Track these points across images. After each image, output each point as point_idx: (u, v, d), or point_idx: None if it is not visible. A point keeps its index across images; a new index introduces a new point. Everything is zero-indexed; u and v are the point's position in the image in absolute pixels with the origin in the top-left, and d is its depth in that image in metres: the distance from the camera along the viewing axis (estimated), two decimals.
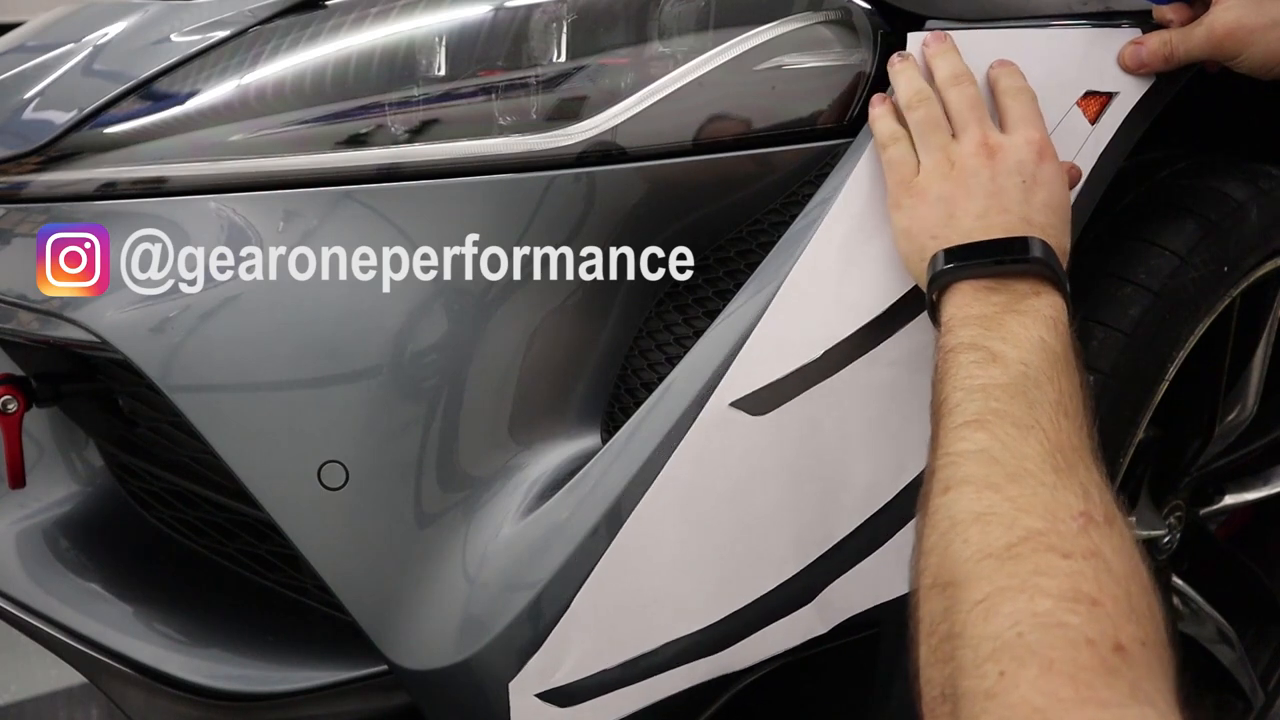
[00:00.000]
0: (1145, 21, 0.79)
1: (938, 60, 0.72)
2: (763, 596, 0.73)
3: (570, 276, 0.75)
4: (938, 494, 0.56)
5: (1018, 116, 0.70)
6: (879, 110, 0.73)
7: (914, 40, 0.74)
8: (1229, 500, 1.24)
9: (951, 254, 0.66)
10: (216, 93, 0.77)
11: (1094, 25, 0.78)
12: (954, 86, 0.71)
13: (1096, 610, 0.47)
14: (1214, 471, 1.19)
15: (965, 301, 0.64)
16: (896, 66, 0.73)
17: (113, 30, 0.85)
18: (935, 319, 0.66)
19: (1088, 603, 0.47)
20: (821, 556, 0.74)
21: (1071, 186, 0.73)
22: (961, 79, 0.71)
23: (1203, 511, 1.23)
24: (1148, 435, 0.93)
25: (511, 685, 0.73)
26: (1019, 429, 0.56)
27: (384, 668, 0.79)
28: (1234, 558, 1.28)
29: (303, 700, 0.82)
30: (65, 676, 1.50)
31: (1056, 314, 0.63)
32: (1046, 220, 0.67)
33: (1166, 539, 1.12)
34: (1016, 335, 0.61)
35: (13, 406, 0.88)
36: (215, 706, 0.83)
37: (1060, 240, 0.67)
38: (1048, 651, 0.45)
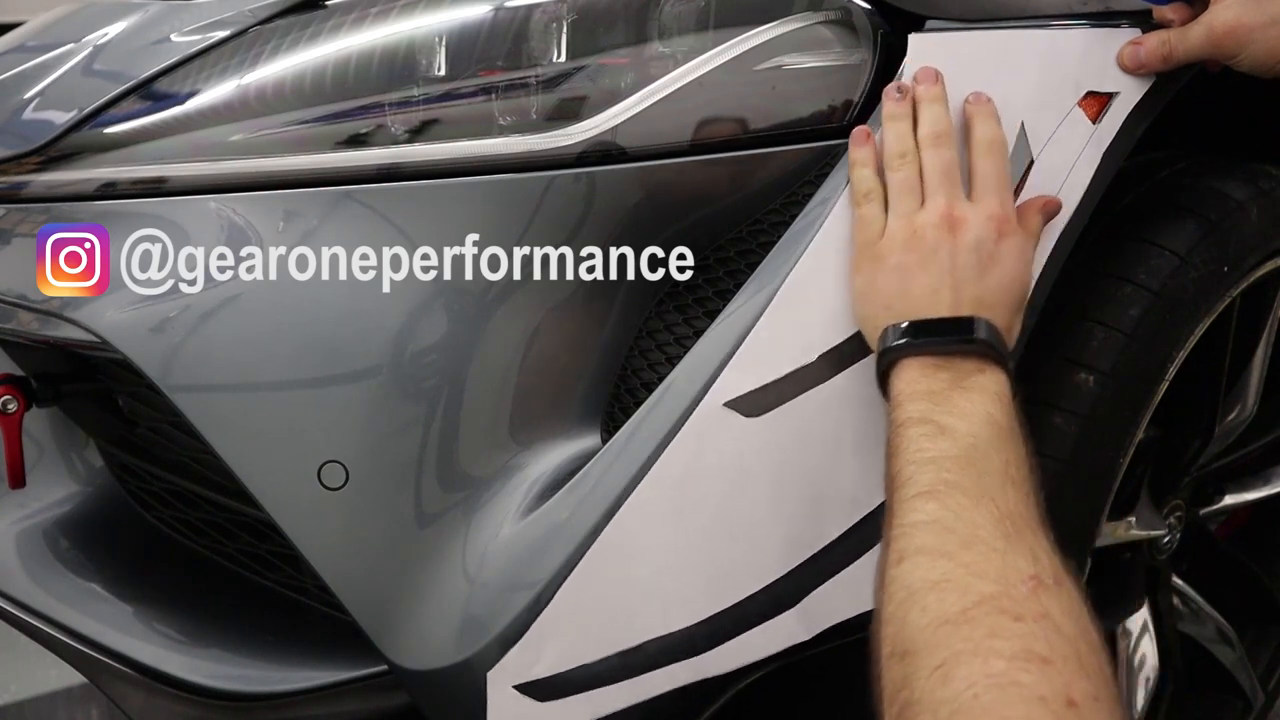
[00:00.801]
0: (1145, 21, 0.79)
1: (924, 109, 0.72)
2: (747, 599, 0.73)
3: (570, 276, 0.75)
4: (893, 565, 0.58)
5: (986, 183, 0.71)
6: (860, 155, 0.73)
7: (914, 44, 0.74)
8: (1229, 500, 1.24)
9: (902, 331, 0.68)
10: (216, 93, 0.77)
11: (1094, 25, 0.78)
12: (933, 148, 0.71)
13: (1048, 669, 0.49)
14: (1214, 471, 1.19)
15: (914, 377, 0.66)
16: (890, 110, 0.73)
17: (113, 30, 0.85)
18: (884, 390, 0.69)
19: (1039, 662, 0.49)
20: (806, 561, 0.74)
21: (1051, 218, 0.74)
22: (941, 140, 0.71)
23: (1203, 511, 1.23)
24: (1148, 435, 0.93)
25: (490, 675, 0.73)
26: (970, 498, 0.59)
27: (384, 668, 0.79)
28: (1234, 558, 1.28)
29: (303, 700, 0.82)
30: (65, 676, 1.49)
31: (1001, 389, 0.66)
32: (997, 300, 0.68)
33: (1166, 539, 1.12)
34: (964, 410, 0.64)
35: (13, 406, 0.88)
36: (215, 706, 0.83)
37: (1008, 319, 0.69)
38: (1003, 710, 0.47)
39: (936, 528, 0.58)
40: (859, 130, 0.73)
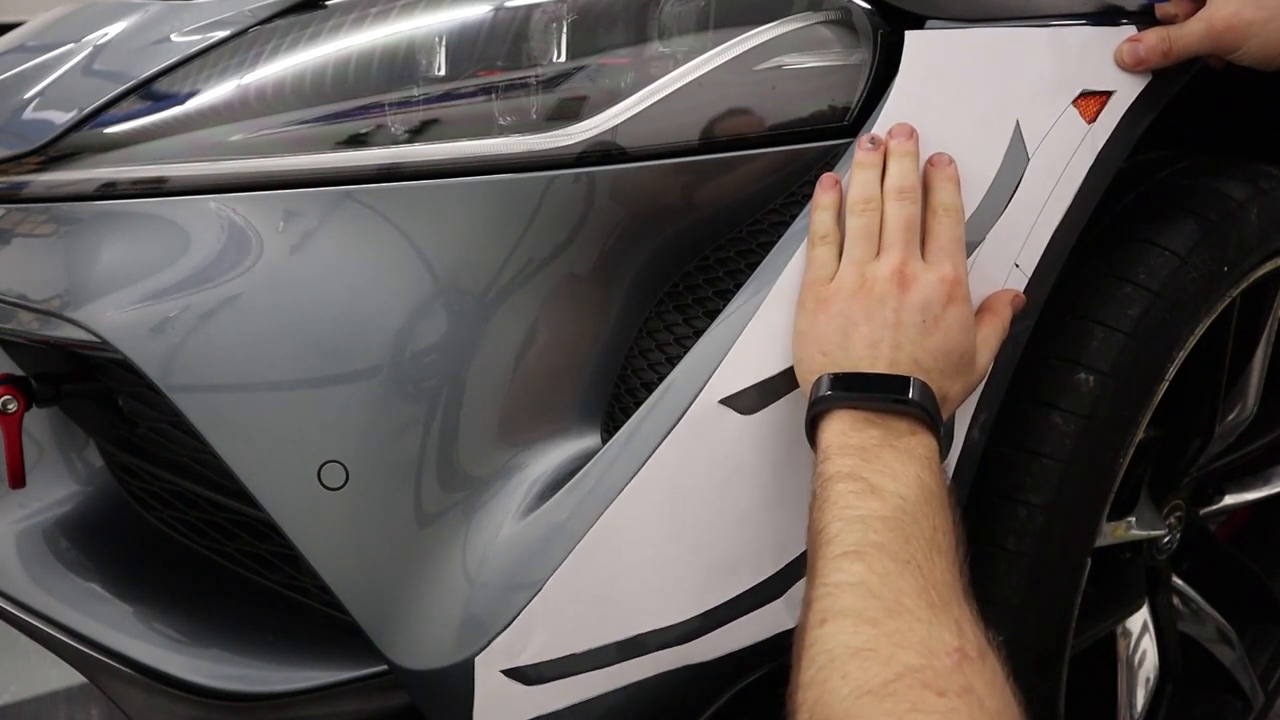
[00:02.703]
0: (1145, 20, 0.79)
1: (894, 162, 0.72)
2: (738, 596, 0.73)
3: (570, 276, 0.75)
4: (815, 625, 0.57)
5: (940, 246, 0.70)
6: (823, 200, 0.72)
7: (911, 43, 0.74)
8: (1229, 500, 1.24)
9: (836, 381, 0.67)
10: (216, 93, 0.77)
11: (1092, 24, 0.78)
12: (897, 201, 0.71)
13: None
14: (1214, 471, 1.19)
15: (844, 429, 0.66)
16: (860, 159, 0.72)
17: (113, 30, 0.85)
18: (811, 439, 0.68)
19: None
20: (798, 558, 0.74)
21: (1016, 312, 0.74)
22: (906, 195, 0.71)
23: (1203, 511, 1.23)
24: (1148, 435, 0.93)
25: (477, 660, 0.73)
26: (896, 563, 0.58)
27: (384, 668, 0.79)
28: (1234, 558, 1.28)
29: (303, 700, 0.82)
30: (65, 676, 1.50)
31: (931, 454, 0.65)
32: (935, 364, 0.68)
33: (1166, 539, 1.12)
34: (894, 470, 0.63)
35: (13, 406, 0.88)
36: (215, 706, 0.83)
37: (944, 384, 0.68)
38: None
39: (861, 590, 0.57)
40: (827, 176, 0.73)
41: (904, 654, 0.53)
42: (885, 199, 0.71)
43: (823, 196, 0.73)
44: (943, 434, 0.67)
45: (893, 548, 0.58)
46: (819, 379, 0.68)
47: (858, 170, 0.72)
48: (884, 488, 0.62)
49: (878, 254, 0.70)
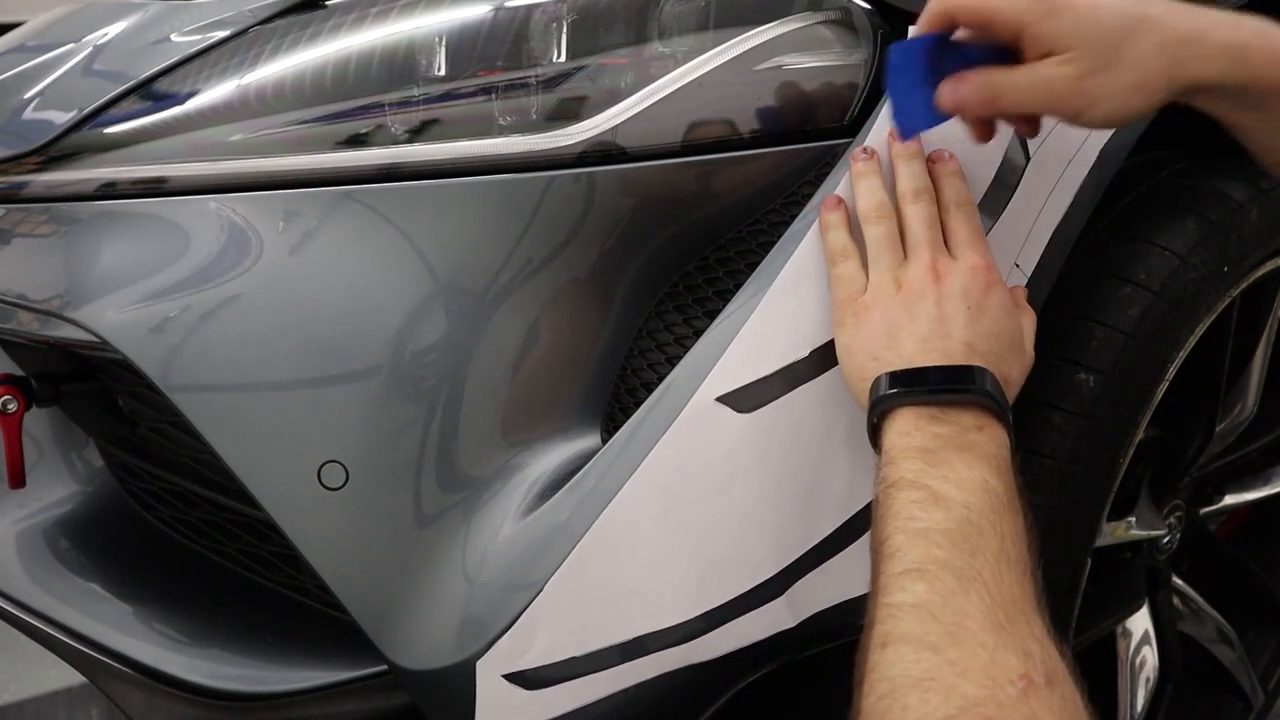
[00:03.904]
0: None
1: (903, 165, 0.71)
2: (739, 595, 0.73)
3: (570, 276, 0.75)
4: (877, 648, 0.55)
5: (963, 240, 0.69)
6: (832, 218, 0.72)
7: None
8: (1229, 500, 1.24)
9: (895, 378, 0.65)
10: (216, 93, 0.77)
11: None
12: (914, 202, 0.70)
13: None
14: (1214, 471, 1.19)
15: (907, 429, 0.63)
16: (859, 169, 0.72)
17: (113, 30, 0.85)
18: (875, 443, 0.66)
19: None
20: (800, 559, 0.74)
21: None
22: (922, 195, 0.70)
23: (1203, 511, 1.23)
24: (1148, 435, 0.93)
25: (479, 664, 0.73)
26: (961, 581, 0.55)
27: (384, 668, 0.79)
28: (1234, 558, 1.28)
29: (303, 700, 0.82)
30: (65, 676, 1.50)
31: (1000, 451, 0.62)
32: (990, 348, 0.66)
33: (1166, 539, 1.12)
34: (960, 475, 0.60)
35: (13, 406, 0.88)
36: (215, 706, 0.83)
37: (1003, 368, 0.66)
38: None
39: (922, 613, 0.54)
40: (830, 197, 0.72)
41: (965, 685, 0.51)
42: (901, 202, 0.71)
43: (829, 216, 0.72)
44: (1011, 418, 0.65)
45: (957, 564, 0.56)
46: (875, 381, 0.66)
47: (860, 180, 0.72)
48: (949, 496, 0.59)
49: (905, 258, 0.69)
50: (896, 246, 0.70)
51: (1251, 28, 0.62)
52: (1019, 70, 0.63)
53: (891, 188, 0.72)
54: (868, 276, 0.70)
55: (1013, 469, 0.62)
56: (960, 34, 0.67)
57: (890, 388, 0.65)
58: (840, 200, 0.72)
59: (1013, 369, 0.68)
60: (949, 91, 0.65)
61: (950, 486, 0.59)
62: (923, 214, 0.70)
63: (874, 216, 0.70)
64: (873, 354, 0.67)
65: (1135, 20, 0.61)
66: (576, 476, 0.74)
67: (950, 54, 0.66)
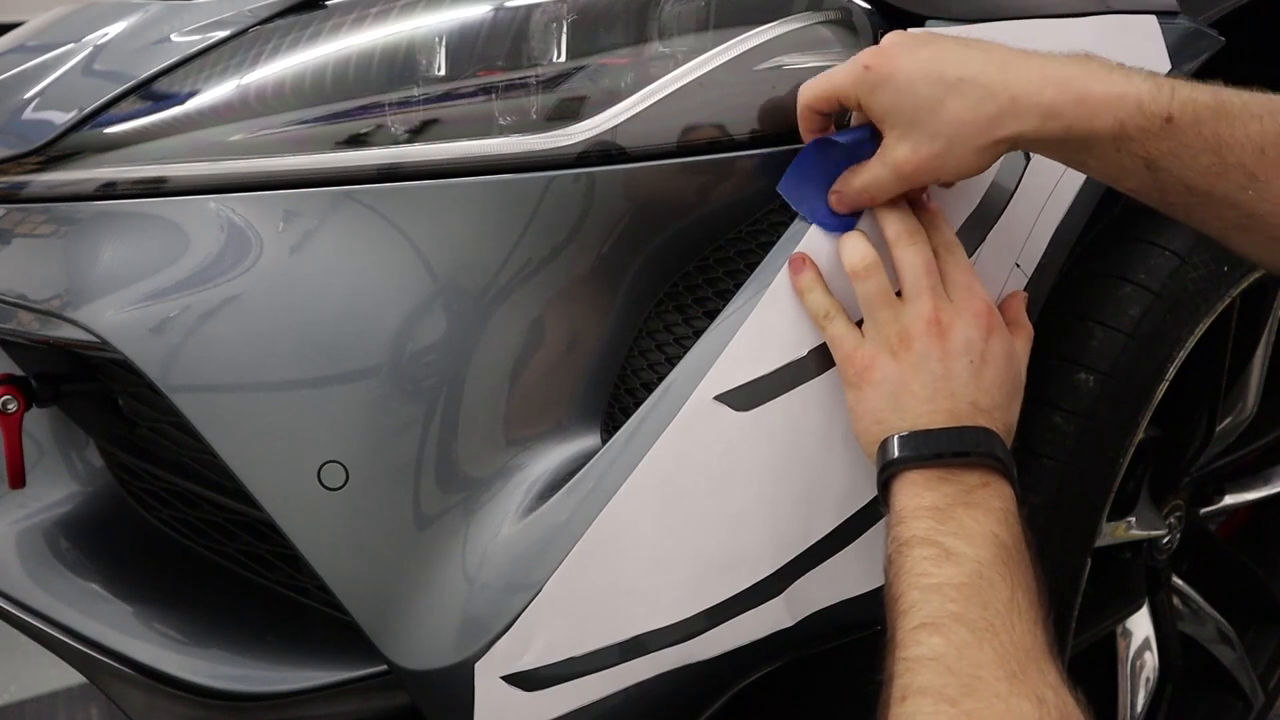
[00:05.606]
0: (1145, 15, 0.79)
1: (887, 209, 0.70)
2: (738, 594, 0.73)
3: (570, 276, 0.75)
4: (896, 702, 0.57)
5: (959, 282, 0.69)
6: (806, 280, 0.70)
7: None
8: (1229, 500, 1.24)
9: (904, 442, 0.66)
10: (216, 93, 0.77)
11: (1090, 23, 0.78)
12: (909, 244, 0.68)
13: None
14: (1214, 471, 1.19)
15: (916, 491, 0.64)
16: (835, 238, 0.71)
17: (113, 30, 0.85)
18: (885, 503, 0.67)
19: None
20: (797, 558, 0.74)
21: (1027, 308, 0.74)
22: (916, 235, 0.69)
23: (1203, 511, 1.23)
24: (1148, 435, 0.93)
25: (478, 666, 0.73)
26: (974, 633, 0.57)
27: (384, 668, 0.79)
28: (1234, 558, 1.28)
29: (303, 700, 0.82)
30: (65, 676, 1.50)
31: (1006, 504, 0.64)
32: (992, 401, 0.67)
33: (1166, 539, 1.12)
34: (969, 531, 0.62)
35: (13, 406, 0.88)
36: (215, 706, 0.83)
37: (1006, 418, 0.68)
38: None
39: (938, 666, 0.56)
40: (794, 257, 0.71)
41: None
42: (894, 246, 0.69)
43: (800, 279, 0.71)
44: (1014, 472, 0.66)
45: (970, 617, 0.58)
46: (882, 444, 0.67)
47: (844, 242, 0.70)
48: (960, 552, 0.61)
49: (903, 304, 0.68)
50: (891, 300, 0.69)
51: (1064, 77, 0.62)
52: (871, 164, 0.68)
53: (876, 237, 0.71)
54: (860, 330, 0.69)
55: (1019, 521, 0.64)
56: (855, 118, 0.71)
57: (899, 452, 0.66)
58: (805, 259, 0.71)
59: (1013, 414, 0.69)
60: (835, 203, 0.71)
61: (961, 542, 0.61)
62: (920, 258, 0.68)
63: (863, 272, 0.69)
64: (877, 418, 0.68)
65: (950, 85, 0.64)
66: (576, 477, 0.74)
67: (833, 151, 0.70)
